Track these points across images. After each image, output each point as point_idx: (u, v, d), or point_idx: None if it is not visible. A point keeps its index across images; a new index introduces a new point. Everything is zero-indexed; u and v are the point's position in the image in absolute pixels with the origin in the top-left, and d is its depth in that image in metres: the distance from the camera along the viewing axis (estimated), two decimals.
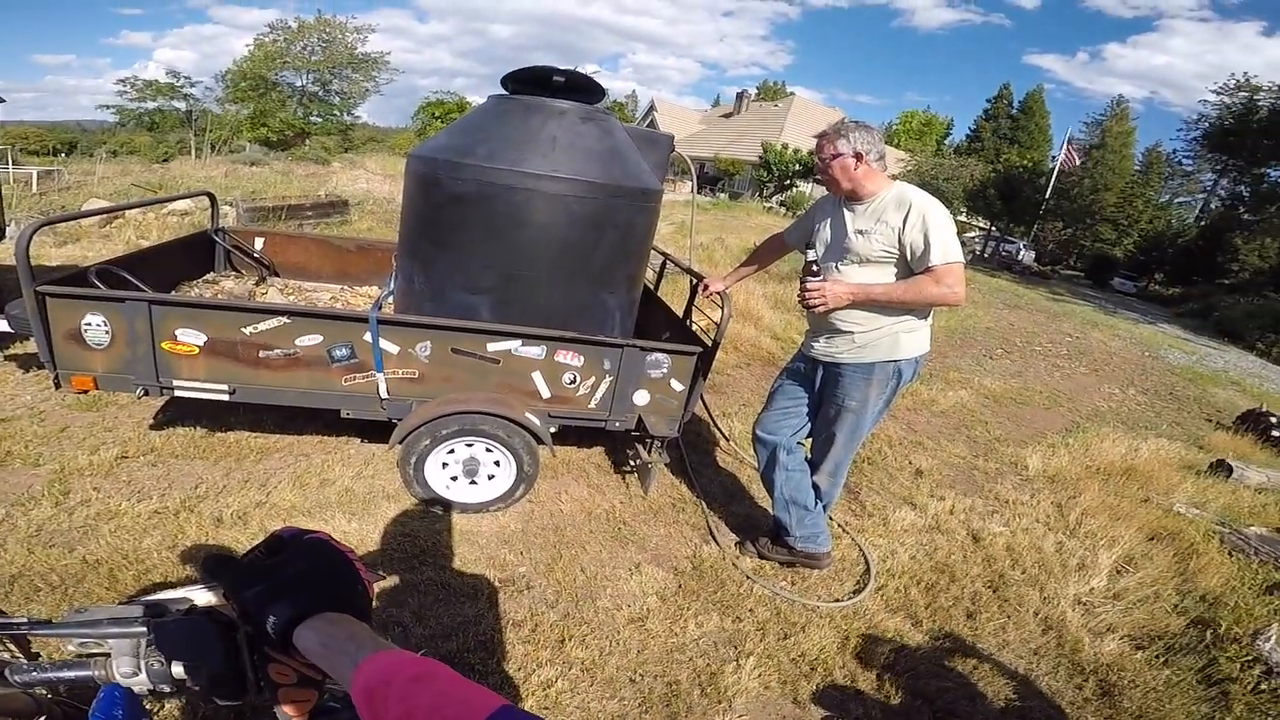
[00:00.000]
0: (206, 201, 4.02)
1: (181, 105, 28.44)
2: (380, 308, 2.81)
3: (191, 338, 2.55)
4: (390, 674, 0.47)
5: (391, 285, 3.22)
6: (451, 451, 2.71)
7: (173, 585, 2.26)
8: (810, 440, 2.67)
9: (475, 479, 2.80)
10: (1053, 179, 26.13)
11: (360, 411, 2.69)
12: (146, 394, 2.64)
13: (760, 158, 30.04)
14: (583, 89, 2.88)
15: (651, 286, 3.74)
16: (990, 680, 2.28)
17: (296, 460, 3.06)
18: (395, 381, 2.63)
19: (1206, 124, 26.90)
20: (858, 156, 2.19)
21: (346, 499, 2.81)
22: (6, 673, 0.56)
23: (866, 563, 2.83)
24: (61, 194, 9.64)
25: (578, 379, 2.74)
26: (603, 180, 2.67)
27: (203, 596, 0.62)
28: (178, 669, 0.55)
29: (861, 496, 3.49)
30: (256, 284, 3.78)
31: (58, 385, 2.68)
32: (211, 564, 0.59)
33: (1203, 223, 29.60)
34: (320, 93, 30.32)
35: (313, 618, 0.54)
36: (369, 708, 0.46)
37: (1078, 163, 25.76)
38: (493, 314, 2.70)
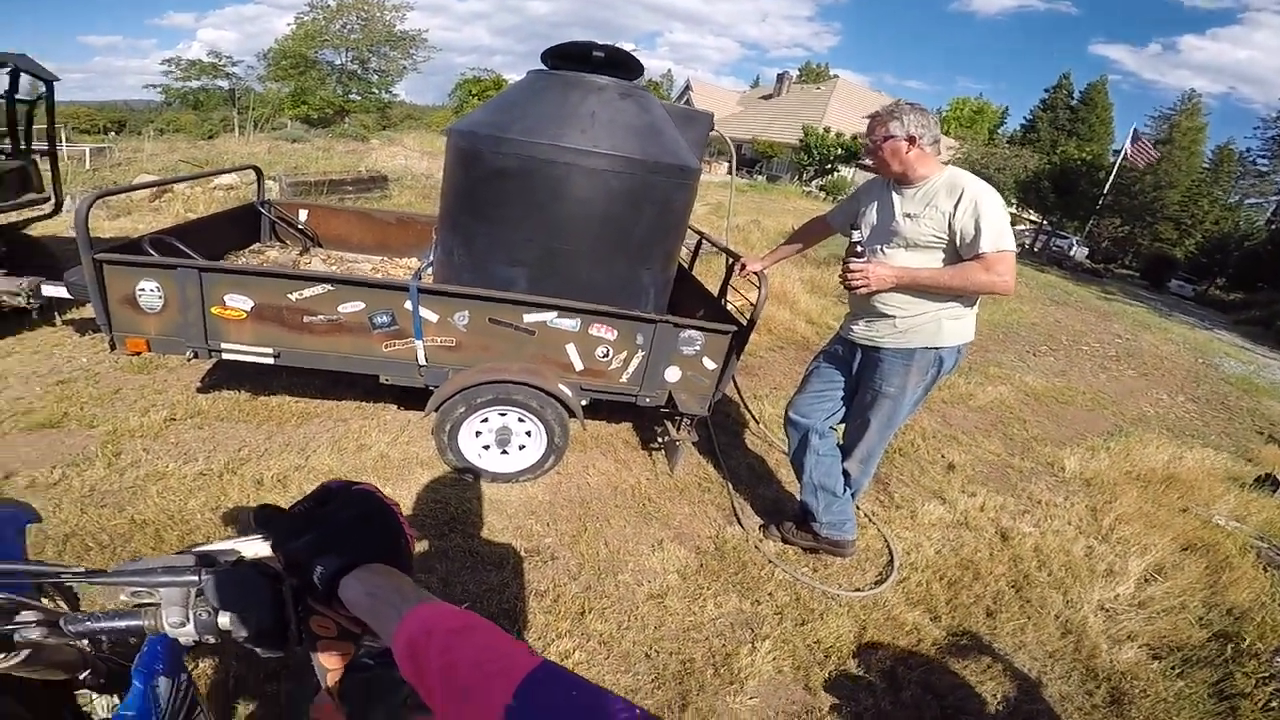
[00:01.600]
0: (252, 176, 4.13)
1: (224, 84, 29.14)
2: (420, 278, 2.85)
3: (239, 303, 2.64)
4: (433, 625, 0.47)
5: (430, 257, 3.27)
6: (485, 420, 2.75)
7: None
8: (843, 425, 2.63)
9: (506, 448, 2.84)
10: (1113, 173, 24.89)
11: (399, 377, 2.74)
12: (196, 356, 2.73)
13: (800, 141, 29.41)
14: (622, 65, 2.87)
15: (686, 265, 3.73)
16: (1002, 680, 2.24)
17: (335, 425, 3.15)
18: (433, 349, 2.68)
19: None
20: (910, 140, 2.12)
21: (382, 464, 2.88)
22: (61, 623, 0.57)
23: (890, 554, 2.80)
24: (113, 170, 9.99)
25: (610, 353, 2.75)
26: (640, 156, 2.66)
27: (250, 548, 0.63)
28: (224, 619, 0.56)
29: (891, 487, 3.44)
30: (300, 254, 3.87)
31: (113, 347, 2.79)
32: (261, 514, 0.60)
33: (1274, 226, 28.11)
34: (359, 71, 30.66)
35: (359, 569, 0.54)
36: (410, 659, 0.47)
37: (1155, 157, 24.03)
38: (530, 286, 2.73)
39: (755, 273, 2.80)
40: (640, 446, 3.40)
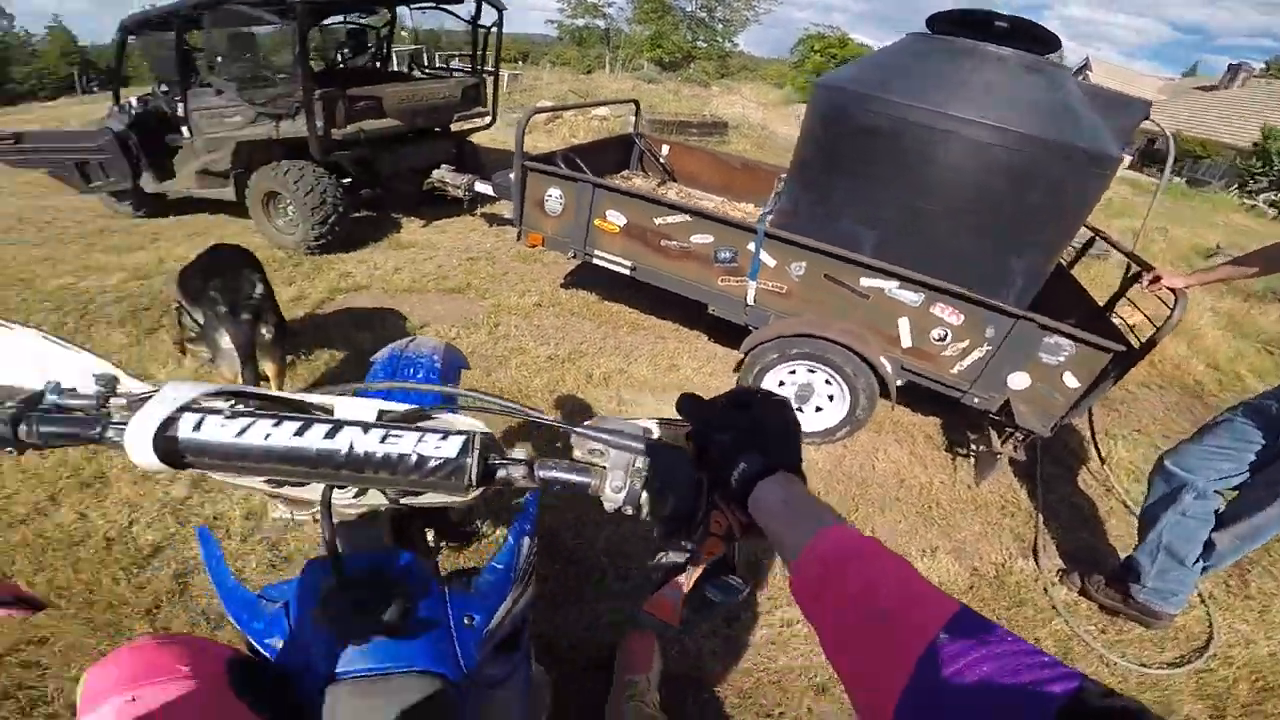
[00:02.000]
0: (619, 109, 4.66)
1: (601, 23, 32.71)
2: (764, 223, 2.97)
3: (616, 218, 3.07)
4: (853, 545, 0.47)
5: (773, 204, 3.36)
6: (792, 372, 2.81)
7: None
8: (1235, 492, 2.09)
9: (803, 407, 2.87)
10: None
11: (725, 311, 2.95)
12: (574, 257, 3.30)
13: (1256, 145, 22.39)
14: (1029, 37, 2.56)
15: (1065, 263, 3.21)
16: None
17: (655, 341, 3.53)
18: (763, 292, 2.80)
19: None
20: None
21: (686, 386, 3.15)
22: (535, 467, 0.58)
23: (1209, 639, 2.26)
24: (522, 94, 12.17)
25: (949, 337, 2.54)
26: (1039, 135, 2.33)
27: (659, 430, 0.63)
28: (646, 494, 0.55)
29: (1251, 575, 2.68)
30: (659, 185, 4.33)
31: (519, 238, 3.51)
32: (687, 403, 0.60)
33: None
34: (706, 19, 31.67)
35: (778, 474, 0.54)
36: (821, 571, 0.46)
37: None
38: (874, 250, 2.64)
39: (1171, 289, 2.28)
40: (944, 446, 3.13)
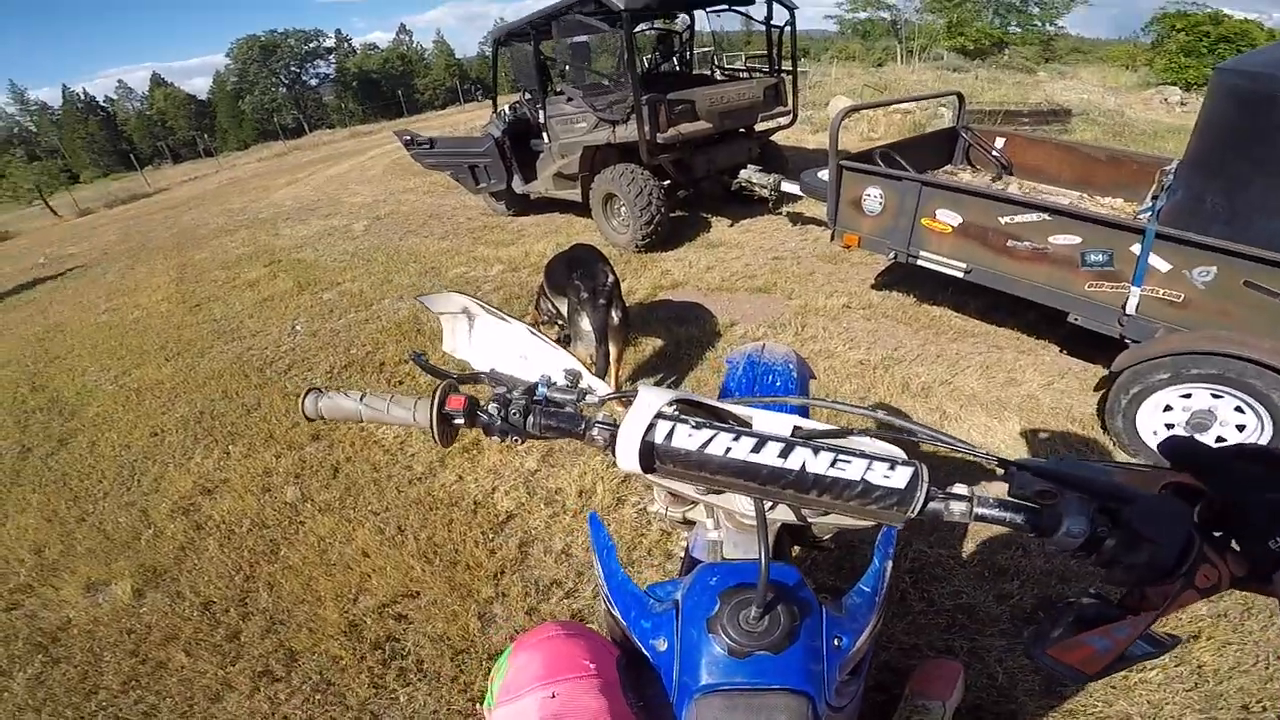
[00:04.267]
0: (926, 103, 4.30)
1: (886, 15, 30.70)
2: (1153, 220, 2.51)
3: (949, 218, 2.89)
4: None
5: (1159, 200, 2.82)
6: (1187, 396, 2.33)
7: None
8: None
9: (1197, 437, 2.35)
10: None
11: (1091, 320, 2.57)
12: (896, 258, 3.19)
13: None
14: None
15: None
16: None
17: (989, 351, 3.20)
18: (1151, 300, 2.37)
19: None
20: None
21: (1029, 405, 2.78)
22: (974, 503, 0.57)
23: None
24: (811, 90, 11.99)
25: None
26: None
27: (1123, 475, 0.59)
28: (1112, 540, 0.52)
29: None
30: (994, 180, 3.93)
31: (833, 238, 3.51)
32: (1186, 448, 0.56)
33: None
34: (1018, 3, 27.89)
35: None
36: None
37: None
38: None
39: None
40: None
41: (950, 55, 21.95)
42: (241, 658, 1.92)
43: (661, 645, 0.67)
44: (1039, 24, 28.53)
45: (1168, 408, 2.39)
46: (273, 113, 46.40)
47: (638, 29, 5.88)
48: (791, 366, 1.29)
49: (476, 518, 2.31)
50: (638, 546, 2.13)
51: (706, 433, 0.57)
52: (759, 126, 5.53)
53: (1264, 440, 2.21)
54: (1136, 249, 2.35)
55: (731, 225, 5.35)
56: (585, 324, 2.75)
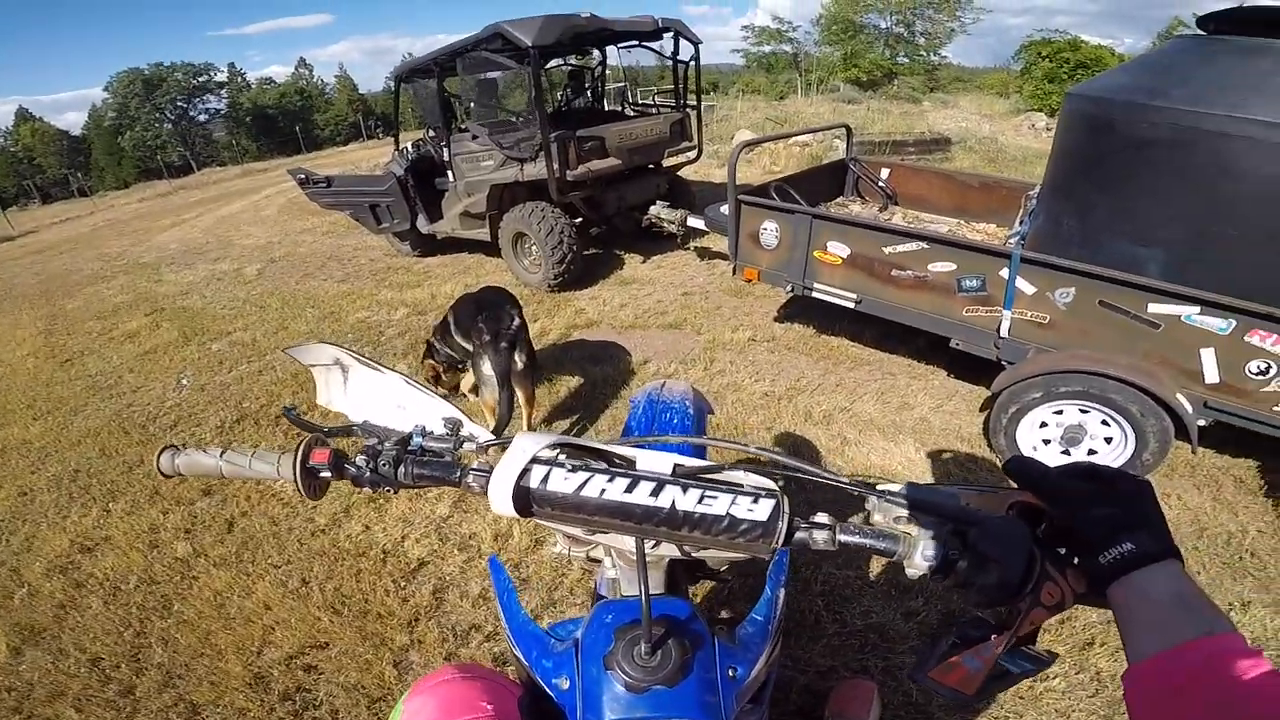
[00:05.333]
0: (824, 136, 4.54)
1: (788, 48, 32.33)
2: (1019, 245, 2.71)
3: (839, 250, 3.01)
4: (1254, 660, 0.44)
5: (1025, 224, 3.05)
6: (1059, 412, 2.49)
7: (765, 464, 2.75)
8: None
9: (1071, 451, 2.53)
10: None
11: (970, 344, 2.72)
12: (792, 291, 3.28)
13: None
14: None
15: None
16: None
17: (884, 377, 3.35)
18: (1021, 322, 2.54)
19: None
20: None
21: (921, 428, 2.93)
22: (837, 530, 0.58)
23: None
24: (717, 125, 12.49)
25: (1273, 370, 2.09)
26: None
27: (967, 497, 0.60)
28: (964, 562, 0.54)
29: None
30: (880, 210, 4.15)
31: (735, 272, 3.58)
32: (1028, 469, 0.57)
33: None
34: (905, 34, 30.02)
35: (1170, 561, 0.51)
36: (1196, 680, 0.43)
37: None
38: (1164, 272, 2.28)
39: None
40: (1261, 490, 2.56)
41: (846, 87, 23.35)
42: (139, 712, 1.84)
43: (564, 684, 0.68)
44: (924, 54, 30.75)
45: (1043, 424, 2.55)
46: (156, 150, 43.19)
47: (547, 66, 5.89)
48: (689, 403, 1.33)
49: (386, 566, 2.24)
50: (559, 586, 2.13)
51: (582, 475, 0.59)
52: (666, 162, 5.59)
53: (1128, 451, 2.39)
54: (1005, 273, 2.51)
55: (644, 261, 5.41)
56: (487, 369, 2.67)
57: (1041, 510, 0.57)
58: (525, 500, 0.60)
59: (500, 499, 0.59)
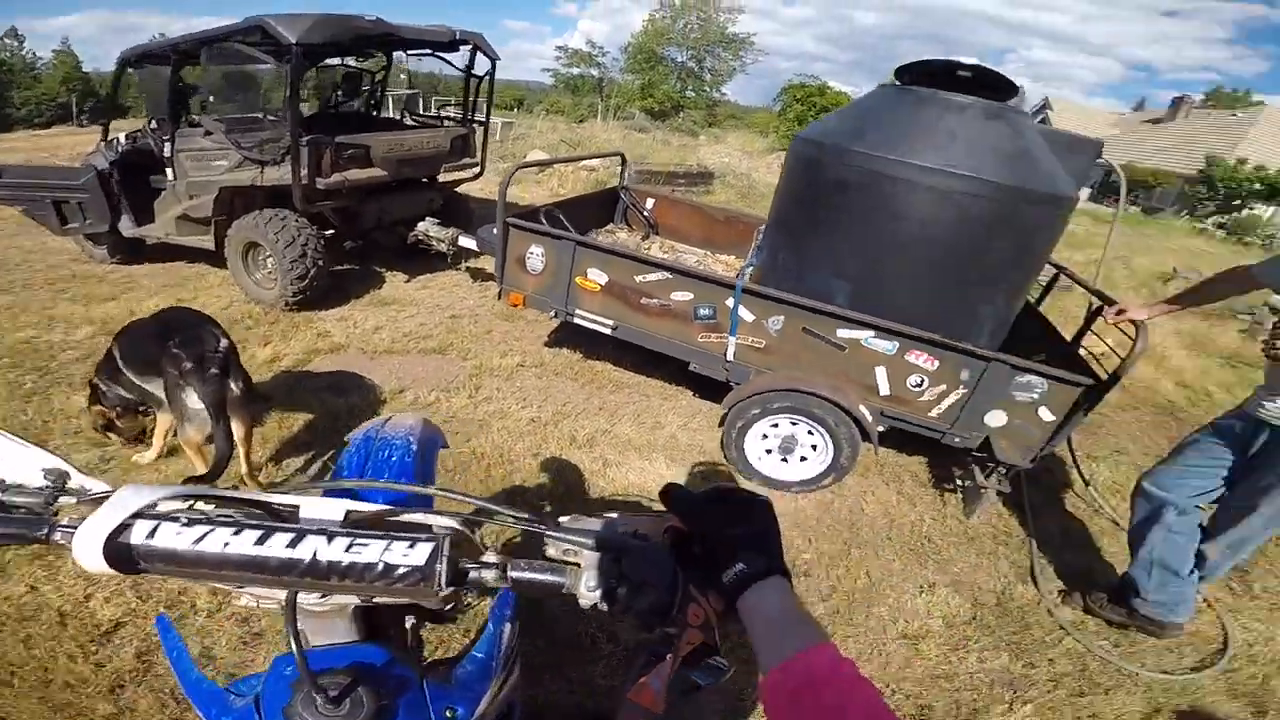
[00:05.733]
0: (610, 161, 4.74)
1: (595, 73, 33.55)
2: (744, 277, 2.99)
3: (598, 276, 3.08)
4: (837, 667, 0.49)
5: (754, 258, 3.40)
6: (775, 425, 2.80)
7: (527, 492, 2.70)
8: (1215, 506, 2.24)
9: (788, 457, 2.85)
10: None
11: (706, 368, 2.95)
12: (555, 316, 3.30)
13: (1200, 172, 23.48)
14: (991, 85, 2.66)
15: (1033, 300, 3.27)
16: None
17: (640, 399, 3.51)
18: (743, 348, 2.81)
19: None
20: None
21: (671, 445, 3.12)
22: (508, 567, 0.58)
23: (1225, 641, 2.33)
24: (514, 143, 12.39)
25: (925, 383, 2.56)
26: (1005, 181, 2.41)
27: (638, 524, 0.64)
28: (623, 589, 0.56)
29: (1251, 576, 2.78)
30: (643, 239, 4.37)
31: (500, 296, 3.50)
32: (678, 497, 0.61)
33: None
34: (695, 69, 32.70)
35: (776, 579, 0.55)
36: (799, 686, 0.48)
37: None
38: (850, 301, 2.67)
39: (1133, 321, 2.33)
40: (931, 484, 3.13)
41: (641, 115, 24.63)
42: None
43: None
44: (708, 90, 33.71)
45: (765, 436, 2.84)
46: None
47: (319, 65, 5.38)
48: (413, 439, 1.22)
49: (68, 630, 1.92)
50: (254, 642, 1.93)
51: (200, 529, 0.55)
52: (444, 177, 5.34)
53: (830, 455, 2.74)
54: (730, 303, 2.76)
55: (408, 281, 5.07)
56: (194, 400, 2.21)
57: (689, 535, 0.61)
58: (127, 556, 0.54)
59: (87, 555, 0.53)
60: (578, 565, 0.58)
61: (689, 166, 10.81)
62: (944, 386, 2.54)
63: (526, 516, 0.62)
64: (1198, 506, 2.26)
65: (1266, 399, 2.02)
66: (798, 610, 0.55)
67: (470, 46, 4.92)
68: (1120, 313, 2.41)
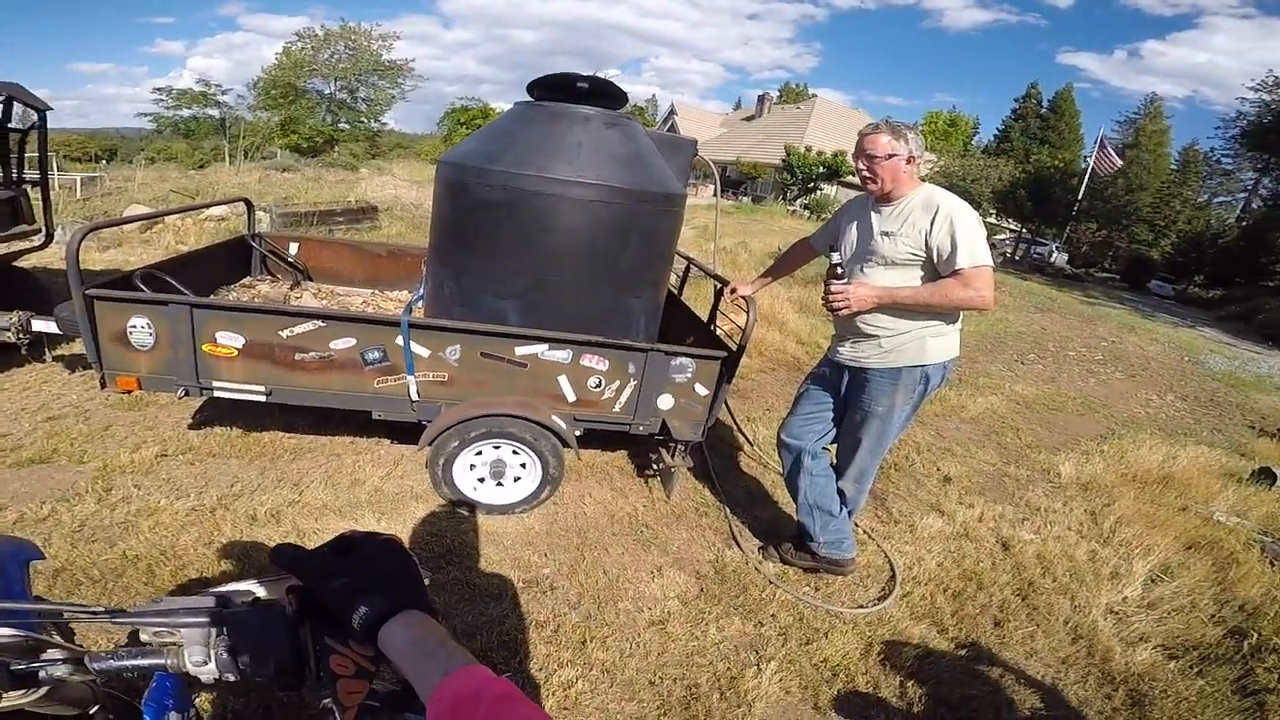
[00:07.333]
0: (242, 207, 4.14)
1: (215, 113, 29.03)
2: (411, 312, 2.87)
3: (231, 340, 2.63)
4: (480, 689, 0.49)
5: (421, 290, 3.28)
6: (479, 453, 2.75)
7: (211, 581, 2.35)
8: (836, 446, 2.65)
9: (501, 481, 2.84)
10: (1085, 179, 25.44)
11: (391, 413, 2.75)
12: (187, 394, 2.72)
13: (783, 160, 29.97)
14: (606, 95, 2.90)
15: (675, 291, 3.77)
16: (1016, 689, 2.26)
17: (329, 460, 3.13)
18: (426, 384, 2.68)
19: (1245, 122, 26.21)
20: (910, 159, 2.18)
21: (376, 499, 2.87)
22: (86, 660, 0.59)
23: (892, 569, 2.81)
24: (104, 199, 9.96)
25: (603, 383, 2.76)
26: (627, 185, 2.70)
27: (263, 589, 0.64)
28: (244, 658, 0.57)
29: (889, 503, 3.46)
30: (291, 288, 3.88)
31: (103, 385, 2.77)
32: (284, 554, 0.59)
33: (1244, 222, 28.35)
34: (348, 100, 30.76)
35: (404, 614, 0.55)
36: (451, 715, 0.48)
37: (1117, 163, 24.62)
38: (521, 319, 2.74)
39: (744, 297, 2.83)
40: (636, 474, 3.41)
41: (284, 154, 22.10)
42: None
43: None
44: (365, 121, 31.67)
45: (472, 466, 2.78)
46: None
47: None
48: None
49: None
50: None
51: None
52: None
53: (539, 469, 2.79)
54: (400, 341, 2.61)
55: None
56: None
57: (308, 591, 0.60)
58: None
59: None
60: (178, 644, 0.58)
61: (348, 203, 9.99)
62: (618, 383, 2.77)
63: (95, 609, 0.60)
64: (824, 448, 2.64)
65: (839, 345, 2.45)
66: (435, 639, 0.54)
67: (4, 99, 3.93)
68: (733, 292, 2.92)
